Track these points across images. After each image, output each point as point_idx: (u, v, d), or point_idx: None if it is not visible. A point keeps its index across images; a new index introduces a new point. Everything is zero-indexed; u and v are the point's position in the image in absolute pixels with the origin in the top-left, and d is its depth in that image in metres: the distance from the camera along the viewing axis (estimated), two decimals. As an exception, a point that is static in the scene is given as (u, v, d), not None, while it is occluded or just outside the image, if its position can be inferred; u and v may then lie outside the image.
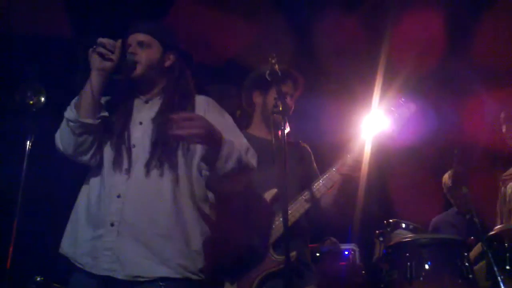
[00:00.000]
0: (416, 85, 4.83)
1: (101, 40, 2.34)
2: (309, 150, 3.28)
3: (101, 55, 2.32)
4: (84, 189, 2.44)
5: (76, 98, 2.37)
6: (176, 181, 2.34)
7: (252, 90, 3.22)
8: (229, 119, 2.59)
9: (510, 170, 3.64)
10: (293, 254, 2.79)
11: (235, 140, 2.40)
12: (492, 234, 3.00)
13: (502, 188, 3.59)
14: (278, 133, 2.70)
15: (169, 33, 2.62)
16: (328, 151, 3.47)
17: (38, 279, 3.90)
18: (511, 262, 2.83)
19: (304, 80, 3.23)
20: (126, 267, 2.22)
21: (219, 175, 2.32)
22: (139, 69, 2.45)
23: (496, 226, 3.30)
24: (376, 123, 3.11)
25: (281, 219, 2.81)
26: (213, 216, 2.50)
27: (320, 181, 3.00)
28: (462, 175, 3.37)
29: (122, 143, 2.38)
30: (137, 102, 2.53)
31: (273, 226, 2.88)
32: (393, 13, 4.78)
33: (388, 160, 3.14)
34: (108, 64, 2.34)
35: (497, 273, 2.73)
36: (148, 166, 2.32)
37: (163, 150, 2.34)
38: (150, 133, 2.40)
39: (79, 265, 2.30)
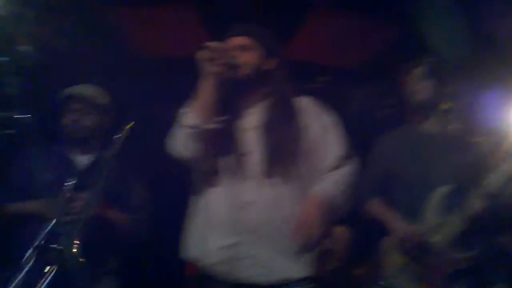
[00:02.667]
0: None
1: (209, 44, 2.32)
2: None
3: (212, 60, 2.32)
4: (199, 198, 2.50)
5: (187, 105, 2.40)
6: (292, 187, 2.40)
7: None
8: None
9: None
10: None
11: None
12: None
13: None
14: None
15: (270, 36, 2.58)
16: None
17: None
18: None
19: None
20: (272, 272, 2.31)
21: None
22: (241, 72, 2.42)
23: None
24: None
25: None
26: None
27: None
28: None
29: (235, 149, 2.42)
30: (239, 107, 2.54)
31: None
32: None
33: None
34: (219, 68, 2.34)
35: None
36: (269, 173, 2.38)
37: (282, 157, 2.39)
38: (264, 139, 2.43)
39: (211, 274, 2.37)
